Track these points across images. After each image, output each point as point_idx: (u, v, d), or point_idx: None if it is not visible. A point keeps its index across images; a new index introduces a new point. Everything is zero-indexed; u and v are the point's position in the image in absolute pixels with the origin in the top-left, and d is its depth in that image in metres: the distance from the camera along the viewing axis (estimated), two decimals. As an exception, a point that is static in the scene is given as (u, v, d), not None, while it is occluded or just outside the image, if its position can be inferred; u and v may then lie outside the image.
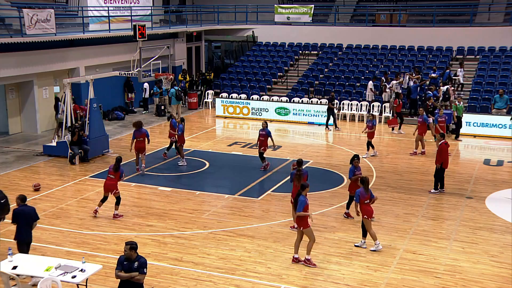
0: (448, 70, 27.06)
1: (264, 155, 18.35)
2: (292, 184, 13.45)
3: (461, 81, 26.71)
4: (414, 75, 26.29)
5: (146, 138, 17.83)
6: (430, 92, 24.32)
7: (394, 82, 25.89)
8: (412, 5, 35.19)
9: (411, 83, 25.77)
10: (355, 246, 12.63)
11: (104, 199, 14.27)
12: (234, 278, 11.18)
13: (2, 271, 9.71)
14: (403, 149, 21.19)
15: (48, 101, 24.24)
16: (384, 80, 26.47)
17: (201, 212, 14.78)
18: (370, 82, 26.59)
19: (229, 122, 26.41)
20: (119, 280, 9.09)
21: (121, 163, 14.34)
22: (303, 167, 13.88)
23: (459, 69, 26.96)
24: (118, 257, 9.24)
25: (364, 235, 12.56)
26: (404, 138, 22.85)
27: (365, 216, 12.23)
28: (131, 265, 9.00)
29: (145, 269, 9.07)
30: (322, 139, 21.99)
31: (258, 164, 19.16)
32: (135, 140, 17.78)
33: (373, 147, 20.07)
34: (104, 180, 14.45)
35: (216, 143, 21.92)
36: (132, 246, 9.05)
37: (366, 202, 12.23)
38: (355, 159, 14.07)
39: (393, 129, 23.83)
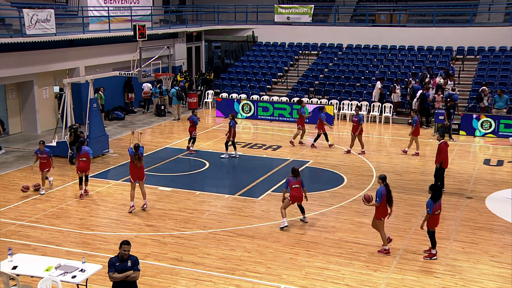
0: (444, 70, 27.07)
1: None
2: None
3: None
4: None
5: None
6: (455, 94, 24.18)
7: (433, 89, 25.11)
8: (412, 5, 35.18)
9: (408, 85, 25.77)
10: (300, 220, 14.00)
11: (80, 181, 15.86)
12: (234, 278, 11.19)
13: (2, 271, 9.71)
14: (403, 149, 21.19)
15: (48, 101, 24.27)
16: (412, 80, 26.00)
17: (201, 212, 14.78)
18: (378, 82, 26.44)
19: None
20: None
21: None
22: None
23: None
24: (108, 259, 9.16)
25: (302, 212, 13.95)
26: (403, 138, 22.84)
27: (288, 198, 13.52)
28: (124, 265, 8.95)
29: (138, 266, 9.07)
30: (322, 139, 21.90)
31: (258, 164, 19.20)
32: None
33: (233, 147, 19.80)
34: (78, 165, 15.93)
35: (216, 143, 21.91)
36: (130, 243, 9.04)
37: (294, 186, 13.42)
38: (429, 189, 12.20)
39: None
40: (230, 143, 19.65)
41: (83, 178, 15.89)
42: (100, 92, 24.68)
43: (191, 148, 20.54)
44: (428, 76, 26.53)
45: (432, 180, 16.40)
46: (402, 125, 25.12)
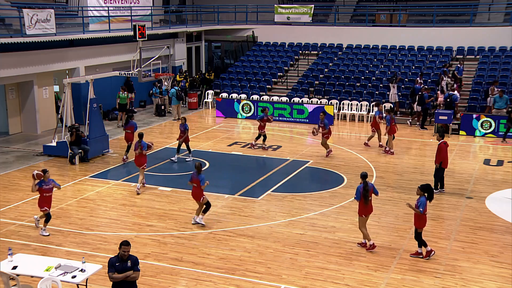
0: (445, 68, 27.02)
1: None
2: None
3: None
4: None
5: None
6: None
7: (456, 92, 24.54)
8: (412, 5, 35.19)
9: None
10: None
11: (128, 148, 19.11)
12: (234, 278, 11.19)
13: (2, 271, 9.72)
14: (403, 149, 21.19)
15: (48, 101, 24.26)
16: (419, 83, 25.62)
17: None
18: (391, 85, 26.23)
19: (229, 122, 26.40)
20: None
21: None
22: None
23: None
24: (108, 259, 9.15)
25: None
26: (403, 138, 22.84)
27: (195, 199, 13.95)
28: (124, 265, 8.95)
29: (138, 266, 9.08)
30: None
31: (258, 164, 19.19)
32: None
33: (187, 149, 19.69)
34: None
35: (216, 143, 21.92)
36: (129, 244, 9.04)
37: (193, 185, 13.81)
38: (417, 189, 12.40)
39: None
40: (184, 145, 19.50)
41: (128, 147, 18.91)
42: (120, 92, 25.42)
43: (265, 147, 21.23)
44: (444, 78, 26.23)
45: (432, 180, 16.42)
46: (401, 125, 25.12)
